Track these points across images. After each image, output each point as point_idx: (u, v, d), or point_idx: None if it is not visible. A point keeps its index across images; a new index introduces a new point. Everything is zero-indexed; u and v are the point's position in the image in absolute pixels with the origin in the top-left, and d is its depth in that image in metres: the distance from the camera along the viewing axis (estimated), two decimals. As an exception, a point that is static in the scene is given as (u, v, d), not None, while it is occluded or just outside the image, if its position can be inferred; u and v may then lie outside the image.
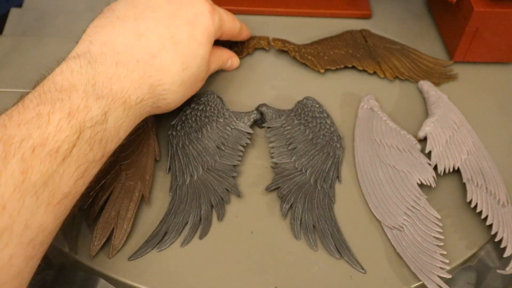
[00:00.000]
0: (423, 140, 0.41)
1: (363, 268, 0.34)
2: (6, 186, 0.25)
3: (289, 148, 0.39)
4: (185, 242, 0.34)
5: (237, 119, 0.41)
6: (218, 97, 0.42)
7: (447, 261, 0.33)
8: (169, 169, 0.38)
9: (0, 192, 0.25)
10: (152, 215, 0.36)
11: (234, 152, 0.39)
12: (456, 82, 0.47)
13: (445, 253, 0.33)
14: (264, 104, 0.42)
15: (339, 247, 0.34)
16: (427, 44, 0.50)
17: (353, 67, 0.47)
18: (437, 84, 0.46)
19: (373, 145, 0.40)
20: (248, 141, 0.40)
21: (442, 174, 0.38)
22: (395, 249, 0.35)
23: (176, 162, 0.38)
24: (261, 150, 0.40)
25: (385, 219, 0.36)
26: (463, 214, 0.37)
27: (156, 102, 0.35)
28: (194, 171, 0.38)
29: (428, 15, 0.54)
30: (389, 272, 0.34)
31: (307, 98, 0.42)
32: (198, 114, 0.41)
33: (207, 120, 0.40)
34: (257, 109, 0.41)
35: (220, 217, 0.36)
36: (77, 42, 0.34)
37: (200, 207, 0.36)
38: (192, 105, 0.41)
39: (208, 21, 0.38)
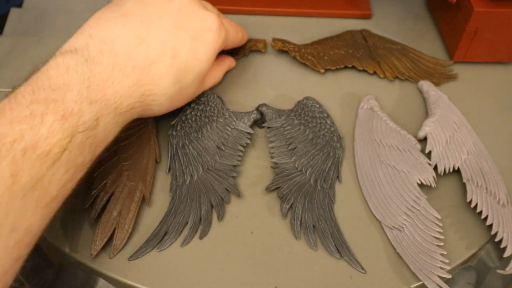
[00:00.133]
0: (423, 140, 0.41)
1: (363, 268, 0.34)
2: None
3: (289, 148, 0.39)
4: (185, 242, 0.34)
5: (237, 119, 0.41)
6: (218, 97, 0.42)
7: (447, 261, 0.33)
8: (169, 169, 0.38)
9: None
10: (152, 215, 0.36)
11: (234, 152, 0.39)
12: (456, 82, 0.47)
13: (445, 253, 0.33)
14: (264, 104, 0.42)
15: (339, 247, 0.34)
16: (427, 44, 0.50)
17: (353, 67, 0.47)
18: (437, 84, 0.46)
19: (373, 145, 0.40)
20: (248, 141, 0.40)
21: (442, 174, 0.38)
22: (395, 249, 0.35)
23: (176, 162, 0.38)
24: (261, 150, 0.40)
25: (385, 219, 0.36)
26: (463, 214, 0.37)
27: (142, 111, 0.35)
28: (194, 171, 0.38)
29: (428, 15, 0.54)
30: (389, 272, 0.34)
31: (307, 98, 0.42)
32: (198, 114, 0.41)
33: (207, 120, 0.40)
34: (257, 109, 0.41)
35: (220, 217, 0.36)
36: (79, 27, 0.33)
37: (200, 207, 0.36)
38: (192, 105, 0.41)
39: (213, 38, 0.37)
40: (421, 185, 0.37)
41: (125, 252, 0.34)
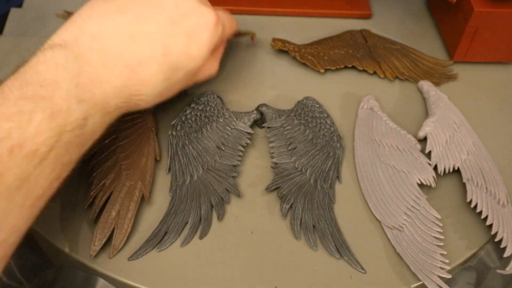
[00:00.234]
0: (423, 140, 0.41)
1: (363, 268, 0.34)
2: None
3: (289, 148, 0.39)
4: (185, 242, 0.34)
5: (237, 119, 0.41)
6: (218, 97, 0.42)
7: (447, 261, 0.33)
8: (169, 169, 0.38)
9: None
10: (152, 215, 0.36)
11: (234, 152, 0.39)
12: (456, 82, 0.47)
13: (445, 253, 0.33)
14: (264, 104, 0.42)
15: (339, 247, 0.34)
16: (427, 44, 0.50)
17: (353, 67, 0.47)
18: (437, 84, 0.46)
19: (373, 145, 0.40)
20: (248, 141, 0.40)
21: (442, 174, 0.38)
22: (395, 249, 0.35)
23: (176, 162, 0.38)
24: (261, 150, 0.40)
25: (385, 219, 0.36)
26: (463, 214, 0.37)
27: (128, 108, 0.34)
28: (194, 171, 0.38)
29: (428, 15, 0.54)
30: (389, 272, 0.34)
31: (307, 98, 0.42)
32: (198, 114, 0.41)
33: (207, 120, 0.40)
34: (257, 109, 0.41)
35: (220, 217, 0.36)
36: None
37: (200, 207, 0.36)
38: (192, 105, 0.41)
39: (209, 35, 0.35)
40: (421, 185, 0.37)
41: (125, 252, 0.34)
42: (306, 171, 0.38)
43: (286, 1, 0.53)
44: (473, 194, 0.37)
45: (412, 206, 0.36)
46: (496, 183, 0.37)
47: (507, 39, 0.46)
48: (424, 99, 0.45)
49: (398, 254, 0.34)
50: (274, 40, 0.48)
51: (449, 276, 0.33)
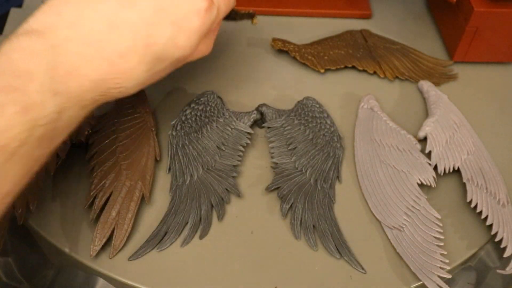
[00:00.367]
0: (423, 140, 0.41)
1: (363, 268, 0.34)
2: None
3: (289, 148, 0.39)
4: (185, 242, 0.34)
5: (237, 119, 0.41)
6: (218, 97, 0.42)
7: (447, 261, 0.33)
8: (169, 169, 0.38)
9: None
10: (152, 215, 0.36)
11: (234, 152, 0.39)
12: (456, 82, 0.47)
13: (445, 253, 0.33)
14: (264, 104, 0.42)
15: (339, 247, 0.34)
16: (427, 44, 0.50)
17: (353, 67, 0.47)
18: (437, 84, 0.46)
19: (373, 145, 0.40)
20: (248, 141, 0.40)
21: (442, 174, 0.38)
22: (395, 249, 0.35)
23: (176, 162, 0.38)
24: (261, 150, 0.40)
25: (385, 219, 0.36)
26: (463, 214, 0.37)
27: (106, 100, 0.31)
28: (194, 171, 0.38)
29: (428, 15, 0.54)
30: (389, 272, 0.34)
31: (307, 98, 0.42)
32: (198, 114, 0.41)
33: (207, 120, 0.40)
34: (257, 109, 0.41)
35: (220, 217, 0.36)
36: None
37: (200, 207, 0.36)
38: (192, 105, 0.41)
39: (199, 22, 0.32)
40: (421, 185, 0.37)
41: (125, 252, 0.34)
42: (306, 171, 0.38)
43: (286, 1, 0.53)
44: (473, 194, 0.37)
45: (412, 206, 0.36)
46: (496, 183, 0.37)
47: (507, 39, 0.46)
48: (424, 99, 0.45)
49: (398, 254, 0.34)
50: (274, 40, 0.48)
51: (449, 276, 0.33)
